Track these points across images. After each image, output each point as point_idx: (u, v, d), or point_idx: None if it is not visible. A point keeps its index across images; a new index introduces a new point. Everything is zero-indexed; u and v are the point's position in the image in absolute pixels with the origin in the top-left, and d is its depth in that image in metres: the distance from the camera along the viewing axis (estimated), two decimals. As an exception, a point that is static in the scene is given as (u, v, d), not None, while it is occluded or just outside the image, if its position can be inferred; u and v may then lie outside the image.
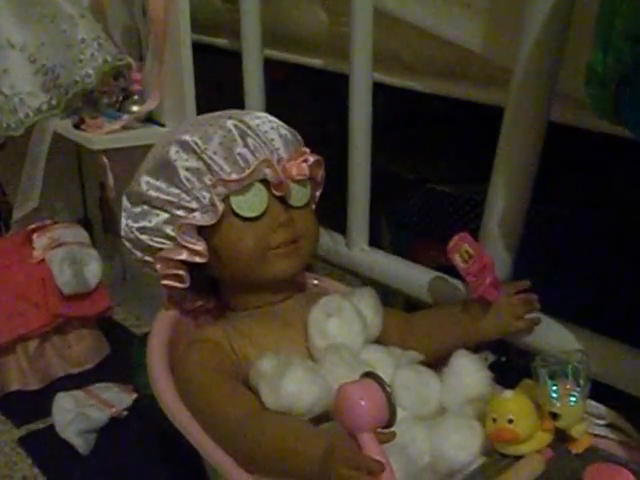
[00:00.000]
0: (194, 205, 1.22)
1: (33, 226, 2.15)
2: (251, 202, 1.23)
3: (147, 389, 1.88)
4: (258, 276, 1.27)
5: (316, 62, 1.93)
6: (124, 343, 2.25)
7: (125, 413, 1.91)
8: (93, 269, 2.09)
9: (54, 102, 2.07)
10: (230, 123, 1.24)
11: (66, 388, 1.98)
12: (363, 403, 0.96)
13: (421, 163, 1.89)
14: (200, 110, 1.89)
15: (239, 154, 1.21)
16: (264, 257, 1.25)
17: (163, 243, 1.26)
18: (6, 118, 2.03)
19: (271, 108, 1.78)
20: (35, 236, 2.11)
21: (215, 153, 1.21)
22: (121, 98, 2.04)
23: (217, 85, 2.18)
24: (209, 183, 1.21)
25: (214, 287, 1.37)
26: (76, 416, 1.81)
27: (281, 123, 1.30)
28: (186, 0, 1.80)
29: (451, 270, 1.44)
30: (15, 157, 2.30)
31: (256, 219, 1.24)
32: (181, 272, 1.28)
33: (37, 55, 2.02)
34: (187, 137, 1.23)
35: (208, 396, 1.16)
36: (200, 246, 1.23)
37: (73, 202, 2.67)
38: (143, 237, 1.27)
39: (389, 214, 1.97)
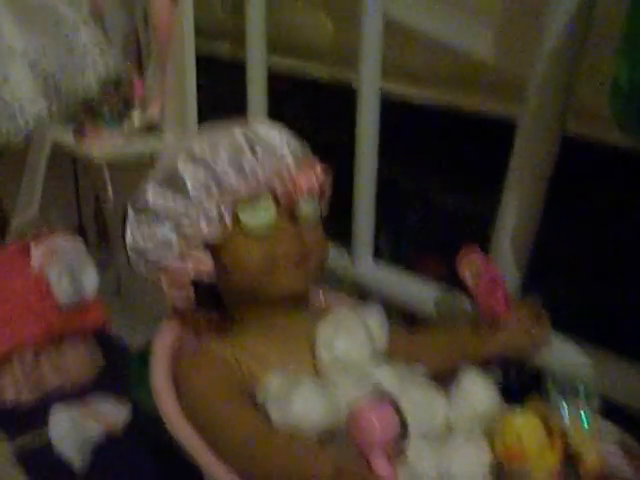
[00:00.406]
0: (201, 217, 1.21)
1: (31, 236, 2.15)
2: (259, 215, 1.22)
3: (143, 404, 1.90)
4: (265, 291, 1.25)
5: (320, 70, 1.93)
6: (117, 355, 2.27)
7: (121, 427, 1.92)
8: (90, 280, 2.10)
9: (54, 108, 2.05)
10: (239, 133, 1.23)
11: (61, 400, 1.99)
12: (376, 423, 0.96)
13: (422, 174, 1.89)
14: (201, 120, 1.90)
15: (247, 166, 1.21)
16: (271, 271, 1.23)
17: (168, 255, 1.25)
18: (5, 125, 2.00)
19: (273, 118, 1.79)
20: (33, 246, 2.12)
21: (223, 164, 1.20)
22: (121, 106, 2.05)
23: (217, 94, 2.19)
24: (217, 195, 1.20)
25: (218, 300, 1.35)
26: (72, 430, 1.82)
27: (290, 134, 1.29)
28: (190, 7, 1.82)
29: (454, 283, 1.45)
30: (12, 166, 2.30)
31: (264, 233, 1.23)
32: (186, 285, 1.27)
33: (38, 61, 2.00)
34: (195, 148, 1.22)
35: (214, 414, 1.16)
36: (206, 259, 1.23)
37: (68, 211, 2.68)
38: (148, 248, 1.26)
39: (389, 225, 1.97)
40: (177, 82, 1.90)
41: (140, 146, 1.97)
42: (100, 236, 2.58)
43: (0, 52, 1.96)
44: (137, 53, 2.10)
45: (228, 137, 1.23)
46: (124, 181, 2.23)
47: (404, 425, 0.99)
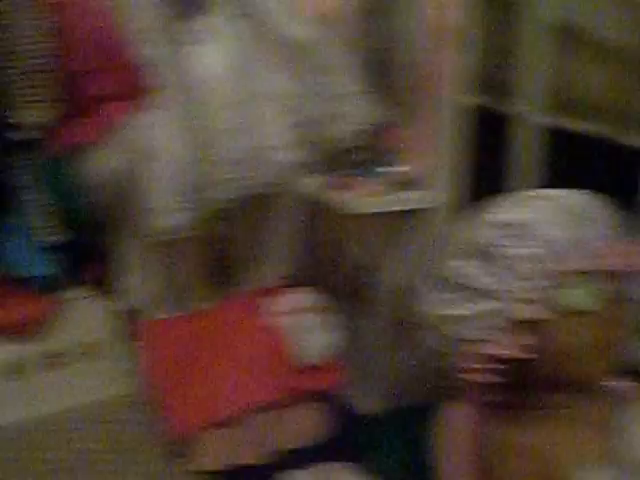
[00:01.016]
0: (526, 296, 1.19)
1: (263, 288, 2.19)
2: (587, 294, 1.19)
3: (380, 473, 1.92)
4: (579, 376, 1.23)
5: (600, 131, 1.90)
6: (348, 419, 2.27)
7: (355, 497, 1.94)
8: (327, 339, 2.11)
9: (307, 158, 2.04)
10: (558, 204, 1.22)
11: (290, 466, 2.01)
12: None
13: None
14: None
15: (577, 240, 1.18)
16: (597, 357, 1.21)
17: (481, 333, 1.24)
18: (257, 173, 2.00)
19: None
20: (267, 300, 2.14)
21: (550, 239, 1.18)
22: (376, 157, 2.05)
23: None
24: (545, 272, 1.18)
25: (517, 381, 1.30)
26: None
27: (606, 203, 1.26)
28: (461, 57, 1.81)
29: None
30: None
31: (588, 313, 1.20)
32: (496, 365, 1.24)
33: (295, 107, 2.01)
34: (512, 219, 1.21)
35: None
36: (531, 341, 1.21)
37: (296, 261, 2.68)
38: (455, 327, 1.26)
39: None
40: (441, 135, 1.90)
41: (401, 201, 1.97)
42: (336, 290, 2.58)
43: (254, 94, 1.99)
44: (386, 99, 2.10)
45: (549, 208, 1.22)
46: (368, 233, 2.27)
47: None
